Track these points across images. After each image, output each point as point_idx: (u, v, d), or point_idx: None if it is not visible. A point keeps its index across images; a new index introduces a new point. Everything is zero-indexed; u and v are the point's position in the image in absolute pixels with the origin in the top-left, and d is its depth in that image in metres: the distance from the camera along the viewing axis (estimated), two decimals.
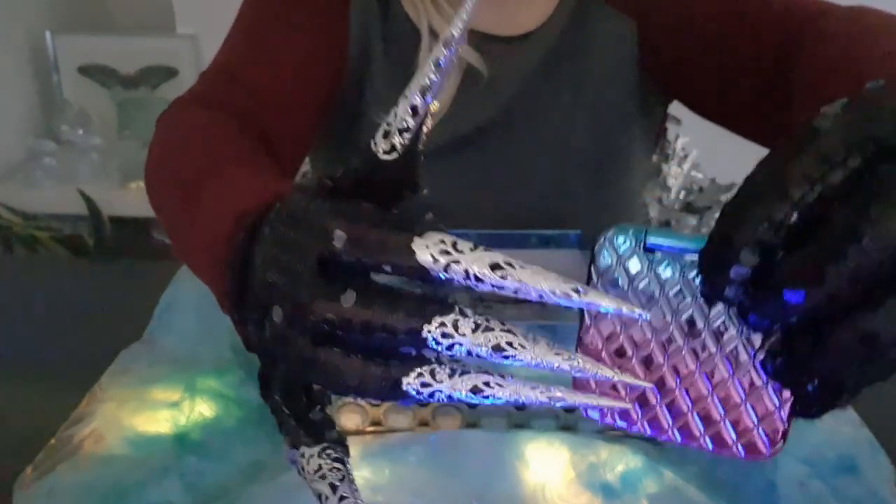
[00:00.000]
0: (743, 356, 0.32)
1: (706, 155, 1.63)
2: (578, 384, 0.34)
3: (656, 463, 0.53)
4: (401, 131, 0.30)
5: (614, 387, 0.35)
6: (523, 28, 0.73)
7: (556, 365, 0.28)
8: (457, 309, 0.29)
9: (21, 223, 1.75)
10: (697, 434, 0.34)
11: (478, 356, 0.29)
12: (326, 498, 0.32)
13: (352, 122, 0.75)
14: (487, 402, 0.29)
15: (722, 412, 0.33)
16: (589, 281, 0.34)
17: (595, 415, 0.35)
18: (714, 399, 0.33)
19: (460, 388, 0.29)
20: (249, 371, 0.62)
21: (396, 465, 0.52)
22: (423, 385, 0.29)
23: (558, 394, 0.29)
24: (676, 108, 0.80)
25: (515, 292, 0.28)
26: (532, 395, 0.29)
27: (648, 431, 0.35)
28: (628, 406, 0.34)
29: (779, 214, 0.27)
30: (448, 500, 0.51)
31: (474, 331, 0.29)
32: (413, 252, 0.29)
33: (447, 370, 0.29)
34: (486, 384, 0.29)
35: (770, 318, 0.29)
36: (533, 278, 0.28)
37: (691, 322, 0.33)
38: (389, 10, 0.73)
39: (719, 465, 0.54)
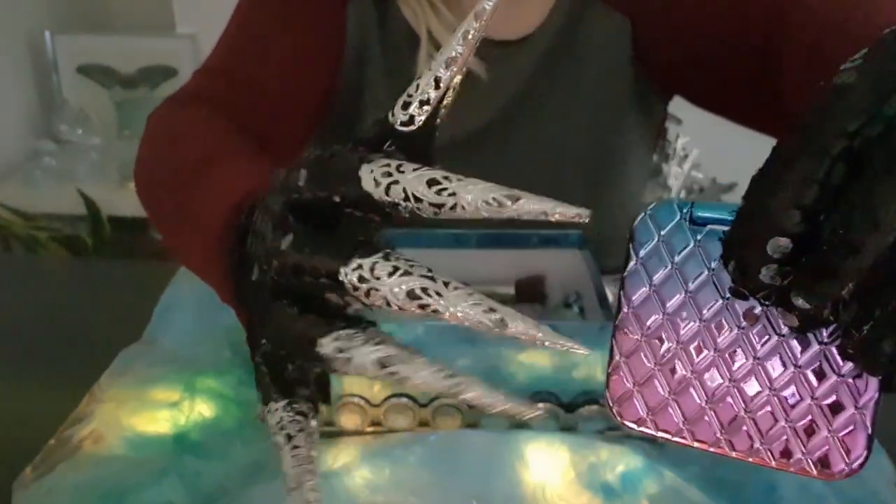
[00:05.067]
0: (811, 345, 0.27)
1: (706, 155, 1.63)
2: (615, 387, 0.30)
3: (657, 463, 0.53)
4: (422, 103, 0.29)
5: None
6: (521, 31, 0.73)
7: (473, 316, 0.25)
8: (382, 252, 0.27)
9: (20, 223, 1.75)
10: (756, 444, 0.28)
11: (398, 308, 0.26)
12: (281, 448, 0.30)
13: (349, 128, 0.75)
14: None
15: (786, 416, 0.27)
16: (627, 262, 0.30)
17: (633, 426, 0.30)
18: (776, 399, 0.28)
19: (372, 355, 0.27)
20: (249, 371, 0.61)
21: (396, 465, 0.52)
22: (339, 350, 0.28)
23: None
24: (677, 107, 0.80)
25: (453, 208, 0.26)
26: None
27: (694, 443, 0.29)
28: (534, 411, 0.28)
29: (819, 172, 0.24)
30: (448, 500, 0.51)
31: (391, 275, 0.26)
32: (359, 179, 0.27)
33: (365, 336, 0.28)
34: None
35: (832, 286, 0.24)
36: (465, 188, 0.26)
37: (747, 306, 0.28)
38: (388, 14, 0.72)
39: (720, 465, 0.54)
